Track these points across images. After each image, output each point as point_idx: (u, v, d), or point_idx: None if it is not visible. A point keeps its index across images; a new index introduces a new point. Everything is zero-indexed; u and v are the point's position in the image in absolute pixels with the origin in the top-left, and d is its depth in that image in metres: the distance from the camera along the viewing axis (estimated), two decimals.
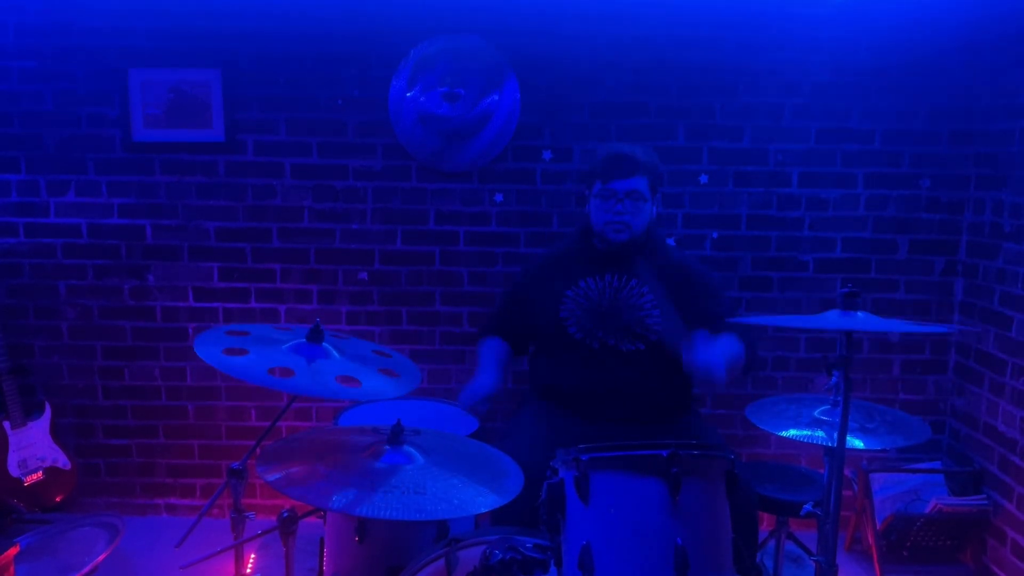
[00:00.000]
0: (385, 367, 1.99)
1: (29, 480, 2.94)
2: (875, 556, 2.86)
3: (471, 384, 2.39)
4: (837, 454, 1.78)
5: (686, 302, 2.44)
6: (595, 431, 2.26)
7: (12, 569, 2.17)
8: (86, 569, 2.37)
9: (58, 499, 3.03)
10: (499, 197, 3.05)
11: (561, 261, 2.55)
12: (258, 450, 1.80)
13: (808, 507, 1.93)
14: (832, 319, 1.79)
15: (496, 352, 2.53)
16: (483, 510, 1.60)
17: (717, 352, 2.18)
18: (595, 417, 2.37)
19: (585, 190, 2.53)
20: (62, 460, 3.04)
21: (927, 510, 2.89)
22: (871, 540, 2.90)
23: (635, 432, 2.24)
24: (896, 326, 1.94)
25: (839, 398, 1.78)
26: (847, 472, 3.02)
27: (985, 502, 2.86)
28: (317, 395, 1.79)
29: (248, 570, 2.77)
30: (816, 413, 2.03)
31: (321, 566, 2.12)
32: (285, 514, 1.80)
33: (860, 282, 3.06)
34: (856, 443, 1.94)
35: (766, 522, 2.91)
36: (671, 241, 3.05)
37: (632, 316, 2.42)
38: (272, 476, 1.61)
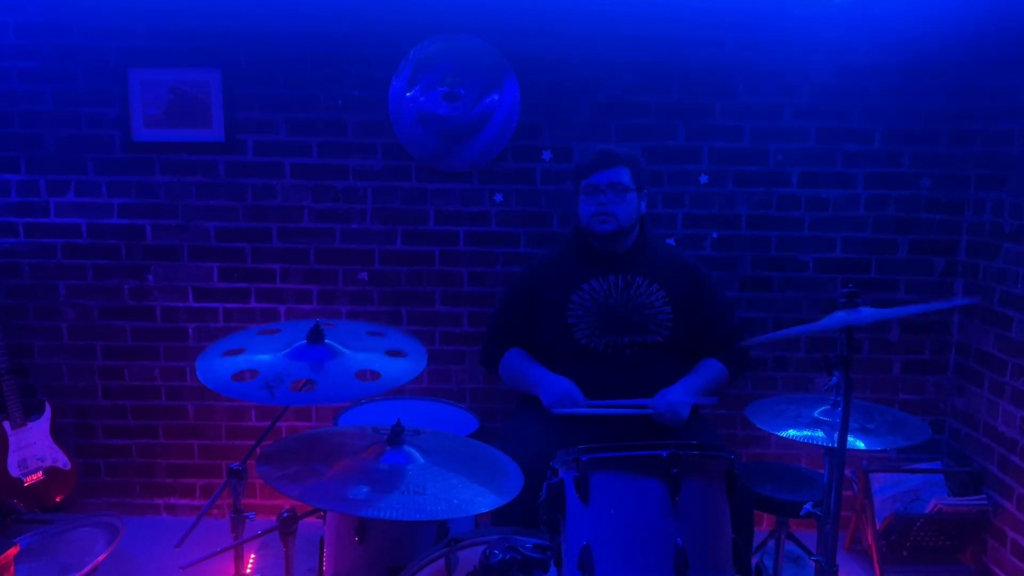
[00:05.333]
0: (391, 348, 1.97)
1: (29, 480, 2.94)
2: (875, 556, 2.86)
3: (552, 393, 2.36)
4: (837, 454, 1.78)
5: (690, 303, 2.46)
6: (596, 430, 2.26)
7: (12, 569, 2.17)
8: (86, 569, 2.37)
9: (58, 499, 3.03)
10: (499, 197, 3.05)
11: (560, 265, 2.54)
12: (258, 450, 1.80)
13: (808, 507, 1.93)
14: (833, 319, 1.79)
15: (528, 356, 2.54)
16: (483, 510, 1.60)
17: (685, 391, 2.34)
18: (596, 418, 2.36)
19: (573, 192, 2.55)
20: (62, 460, 3.04)
21: (927, 510, 2.89)
22: (871, 540, 2.90)
23: (635, 432, 2.25)
24: (894, 312, 1.91)
25: (839, 398, 1.78)
26: (847, 472, 3.02)
27: (985, 502, 2.86)
28: (343, 401, 1.79)
29: (248, 570, 2.77)
30: (816, 413, 2.03)
31: (321, 566, 2.12)
32: (285, 514, 1.80)
33: (860, 282, 3.06)
34: (856, 443, 1.94)
35: (766, 522, 2.91)
36: (671, 241, 3.05)
37: (642, 315, 2.43)
38: (272, 476, 1.61)
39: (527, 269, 2.66)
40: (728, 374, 2.51)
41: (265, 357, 1.87)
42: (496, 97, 2.96)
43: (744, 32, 2.95)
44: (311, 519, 2.17)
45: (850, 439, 1.85)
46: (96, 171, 3.04)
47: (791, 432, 1.97)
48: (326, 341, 1.89)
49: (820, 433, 1.94)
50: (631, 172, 2.45)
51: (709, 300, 2.52)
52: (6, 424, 2.91)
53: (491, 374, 2.69)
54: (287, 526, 1.81)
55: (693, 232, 3.07)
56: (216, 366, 1.86)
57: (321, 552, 2.10)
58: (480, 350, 2.73)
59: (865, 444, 1.95)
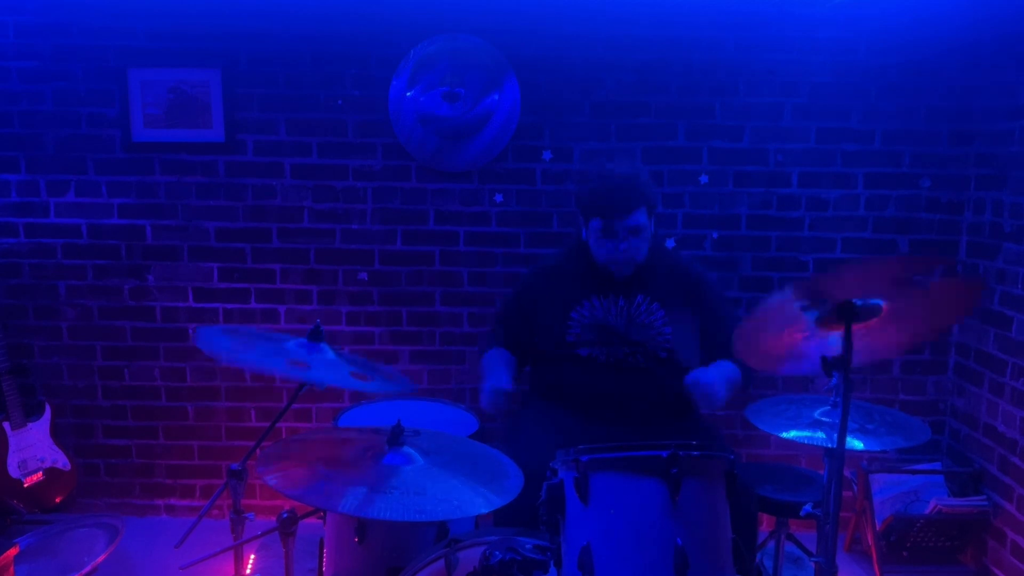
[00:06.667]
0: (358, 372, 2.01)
1: (29, 481, 2.94)
2: (875, 557, 2.86)
3: (486, 385, 2.29)
4: (837, 455, 1.78)
5: (693, 313, 2.43)
6: (596, 432, 2.26)
7: (12, 569, 2.18)
8: (86, 569, 2.37)
9: (58, 500, 3.03)
10: (499, 197, 3.05)
11: (561, 279, 2.49)
12: (258, 451, 1.80)
13: (808, 508, 1.92)
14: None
15: (503, 356, 2.49)
16: (483, 511, 1.60)
17: (718, 376, 2.24)
18: (597, 420, 2.36)
19: (580, 218, 2.43)
20: (62, 461, 3.04)
21: (927, 511, 2.89)
22: (871, 541, 2.90)
23: (636, 433, 2.25)
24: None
25: (839, 399, 1.77)
26: (847, 473, 3.02)
27: (985, 503, 2.86)
28: (336, 384, 1.85)
29: (248, 571, 2.76)
30: (816, 414, 2.03)
31: (321, 567, 2.12)
32: (285, 515, 1.80)
33: None
34: (856, 444, 1.94)
35: (766, 523, 2.91)
36: (671, 242, 3.05)
37: (644, 335, 2.39)
38: (272, 477, 1.61)
39: (529, 276, 2.61)
40: (741, 376, 2.40)
41: (264, 341, 1.94)
42: (496, 97, 2.96)
43: (744, 32, 2.95)
44: (311, 519, 2.17)
45: (850, 440, 1.85)
46: (96, 171, 3.04)
47: (791, 432, 1.96)
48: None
49: (820, 434, 1.94)
50: (647, 208, 2.31)
51: (710, 311, 2.44)
52: (6, 424, 2.91)
53: None
54: (287, 526, 1.80)
55: (693, 232, 3.07)
56: (216, 337, 1.92)
57: (321, 552, 2.10)
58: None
59: (865, 445, 1.95)
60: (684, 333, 2.40)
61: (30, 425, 2.98)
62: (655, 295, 2.40)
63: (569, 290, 2.44)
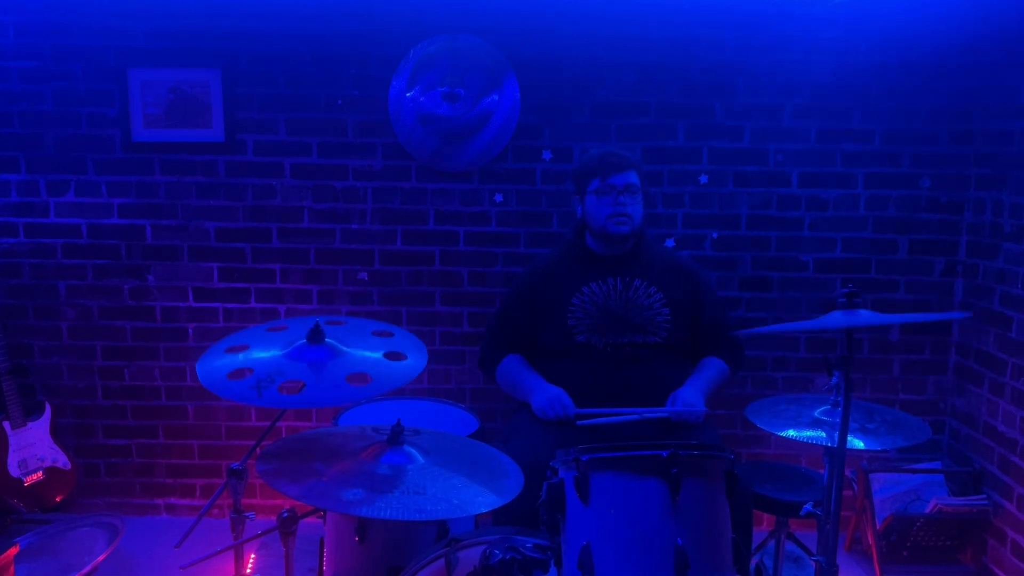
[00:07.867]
0: (391, 350, 1.98)
1: (29, 480, 2.94)
2: (875, 556, 2.86)
3: (543, 398, 2.36)
4: (837, 454, 1.78)
5: (687, 305, 2.48)
6: (597, 431, 2.26)
7: (12, 569, 2.17)
8: (86, 569, 2.37)
9: (58, 499, 3.03)
10: (499, 197, 3.05)
11: (559, 269, 2.54)
12: (258, 450, 1.80)
13: (808, 507, 1.93)
14: (830, 319, 1.79)
15: (526, 363, 2.54)
16: (483, 510, 1.60)
17: (696, 393, 2.37)
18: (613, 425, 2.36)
19: (576, 193, 2.55)
20: (62, 460, 3.04)
21: (927, 510, 2.89)
22: (871, 540, 2.90)
23: (636, 432, 2.26)
24: (895, 319, 1.95)
25: (839, 398, 1.77)
26: (847, 472, 3.02)
27: (985, 502, 2.86)
28: (331, 404, 1.81)
29: (248, 570, 2.77)
30: (816, 413, 2.03)
31: (321, 566, 2.12)
32: (285, 514, 1.80)
33: (860, 282, 3.06)
34: (856, 443, 1.93)
35: (766, 522, 2.91)
36: (671, 242, 3.05)
37: (642, 316, 2.45)
38: (272, 476, 1.61)
39: (526, 273, 2.65)
40: (729, 370, 2.56)
41: (265, 355, 1.89)
42: (496, 97, 2.96)
43: (744, 32, 2.95)
44: (311, 519, 2.17)
45: (850, 439, 1.85)
46: (96, 171, 3.04)
47: (791, 432, 1.96)
48: (327, 341, 1.89)
49: (820, 433, 1.94)
50: (638, 174, 2.48)
51: (707, 302, 2.55)
52: (6, 424, 2.91)
53: (487, 378, 2.69)
54: (287, 526, 1.81)
55: (693, 232, 3.07)
56: (215, 363, 1.88)
57: (321, 552, 2.10)
58: (478, 353, 2.73)
59: (865, 444, 1.95)
60: (682, 315, 2.45)
61: (30, 424, 2.98)
62: (652, 279, 2.49)
63: (567, 279, 2.50)
